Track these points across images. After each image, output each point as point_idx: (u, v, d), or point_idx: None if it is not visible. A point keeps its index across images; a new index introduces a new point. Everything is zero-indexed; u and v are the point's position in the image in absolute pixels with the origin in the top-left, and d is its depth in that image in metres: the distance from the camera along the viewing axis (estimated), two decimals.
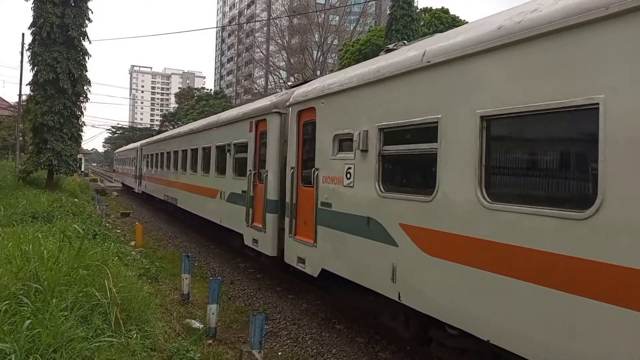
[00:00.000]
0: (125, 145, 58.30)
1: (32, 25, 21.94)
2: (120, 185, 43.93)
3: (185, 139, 18.22)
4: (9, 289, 5.19)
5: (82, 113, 23.56)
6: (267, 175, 9.71)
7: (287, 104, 9.11)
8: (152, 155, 25.95)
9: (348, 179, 6.83)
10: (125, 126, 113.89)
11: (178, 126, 34.25)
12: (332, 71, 40.56)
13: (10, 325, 4.49)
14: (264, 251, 9.96)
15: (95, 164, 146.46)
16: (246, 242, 10.97)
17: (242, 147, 11.58)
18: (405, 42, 7.21)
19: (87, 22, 22.70)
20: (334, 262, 7.31)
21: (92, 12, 22.92)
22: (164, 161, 22.22)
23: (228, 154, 12.43)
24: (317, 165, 7.77)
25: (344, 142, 7.15)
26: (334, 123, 7.32)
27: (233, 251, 14.26)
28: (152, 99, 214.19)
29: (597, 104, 3.58)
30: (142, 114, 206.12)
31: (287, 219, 8.85)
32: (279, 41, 65.62)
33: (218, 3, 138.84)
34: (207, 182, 14.49)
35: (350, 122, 6.87)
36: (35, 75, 21.96)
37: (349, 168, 6.81)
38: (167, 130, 30.17)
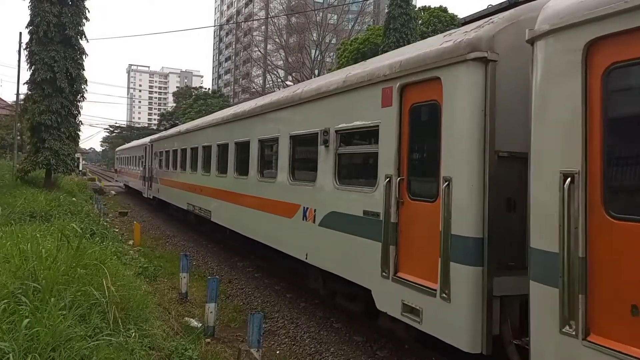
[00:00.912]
0: (123, 144, 57.98)
1: (30, 24, 21.94)
2: (122, 186, 41.65)
3: (224, 130, 13.37)
4: (7, 287, 5.19)
5: (80, 112, 23.58)
6: (449, 186, 5.07)
7: (538, 32, 4.07)
8: (167, 152, 21.10)
9: None
10: (122, 125, 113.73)
11: (175, 125, 32.34)
12: (330, 70, 40.50)
13: (8, 324, 4.49)
14: (444, 338, 5.20)
15: (95, 163, 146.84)
16: (381, 306, 6.16)
17: (362, 135, 7.07)
18: None
19: (84, 20, 22.73)
20: None
21: (89, 11, 22.98)
22: (186, 160, 17.33)
23: (323, 147, 7.63)
24: None
25: None
26: None
27: (231, 250, 14.26)
28: (150, 98, 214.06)
29: None
30: (139, 113, 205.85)
31: (541, 288, 3.95)
32: (277, 40, 65.56)
33: (216, 2, 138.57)
34: (270, 191, 9.78)
35: None
36: (32, 74, 21.96)
37: None
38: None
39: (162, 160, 22.36)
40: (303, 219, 8.24)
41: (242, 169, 11.60)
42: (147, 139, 29.28)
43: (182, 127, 20.63)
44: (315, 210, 7.87)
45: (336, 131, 7.38)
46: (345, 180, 7.28)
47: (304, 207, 8.26)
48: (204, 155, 15.14)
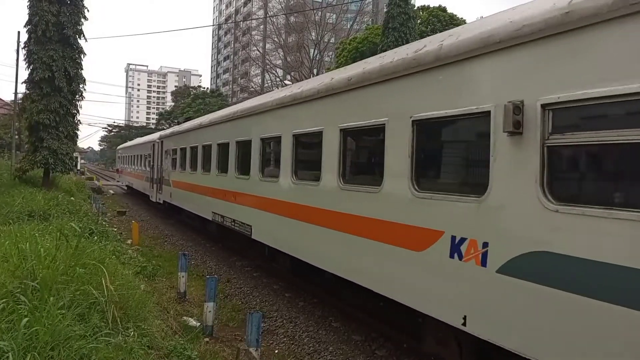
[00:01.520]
0: (121, 143, 57.71)
1: (28, 23, 21.87)
2: (124, 187, 39.92)
3: (272, 119, 9.98)
4: (6, 287, 5.19)
5: (78, 111, 23.53)
6: None
7: None
8: (184, 150, 17.69)
9: None
10: (121, 124, 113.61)
11: (173, 125, 29.75)
12: (329, 69, 40.54)
13: (7, 323, 4.49)
14: None
15: (94, 162, 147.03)
16: None
17: (634, 111, 3.54)
18: None
19: (82, 20, 22.68)
20: None
21: (87, 10, 22.91)
22: (211, 159, 13.98)
23: (506, 137, 4.46)
24: None
25: None
26: None
27: (230, 249, 14.27)
28: (148, 97, 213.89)
29: None
30: (138, 112, 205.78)
31: None
32: (276, 39, 65.63)
33: (214, 1, 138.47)
34: (363, 205, 6.56)
35: None
36: (31, 74, 21.90)
37: None
38: (176, 124, 23.74)
39: (175, 160, 18.99)
40: (452, 256, 5.10)
41: (307, 171, 8.63)
42: (155, 135, 25.65)
43: (204, 119, 16.65)
44: (486, 245, 4.69)
45: (544, 106, 4.12)
46: (577, 195, 4.13)
47: (453, 237, 5.11)
48: (237, 152, 11.92)
